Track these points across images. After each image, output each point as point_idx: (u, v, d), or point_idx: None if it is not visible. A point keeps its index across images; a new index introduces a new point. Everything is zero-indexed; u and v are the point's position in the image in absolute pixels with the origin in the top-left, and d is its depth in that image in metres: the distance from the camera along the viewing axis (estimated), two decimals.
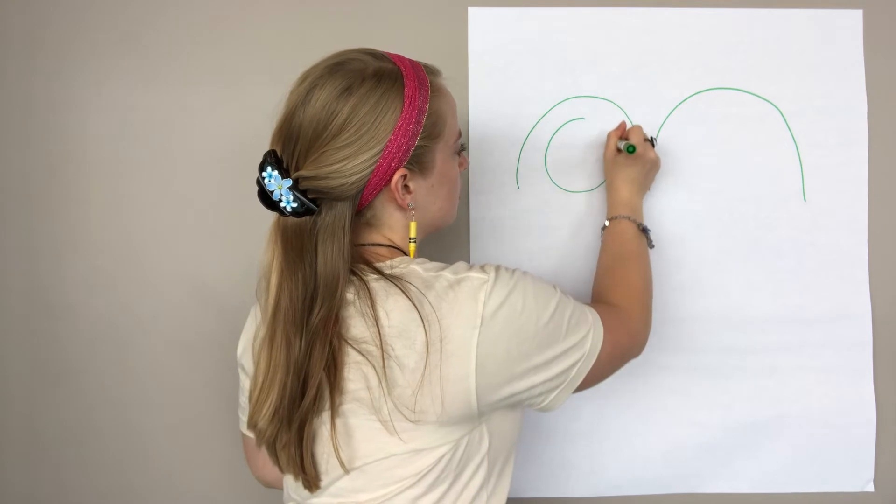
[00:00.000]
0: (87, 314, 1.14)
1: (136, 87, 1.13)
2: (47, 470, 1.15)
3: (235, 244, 1.14)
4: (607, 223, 1.03)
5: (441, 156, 0.79)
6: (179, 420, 1.15)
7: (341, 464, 0.72)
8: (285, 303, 0.72)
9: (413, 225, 0.79)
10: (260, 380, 0.73)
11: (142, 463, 1.15)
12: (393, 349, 0.69)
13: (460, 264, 0.75)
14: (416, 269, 0.74)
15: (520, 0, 1.12)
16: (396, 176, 0.75)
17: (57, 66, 1.13)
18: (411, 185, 0.77)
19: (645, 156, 1.03)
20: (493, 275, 0.72)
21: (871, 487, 1.14)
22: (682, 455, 1.13)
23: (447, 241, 1.12)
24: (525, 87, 1.12)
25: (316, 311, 0.71)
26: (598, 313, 0.80)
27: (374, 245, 0.79)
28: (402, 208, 0.78)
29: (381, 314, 0.70)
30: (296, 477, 0.76)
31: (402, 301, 0.70)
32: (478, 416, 0.72)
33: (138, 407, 1.15)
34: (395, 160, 0.74)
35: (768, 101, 1.13)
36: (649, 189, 1.09)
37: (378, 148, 0.73)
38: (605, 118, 1.12)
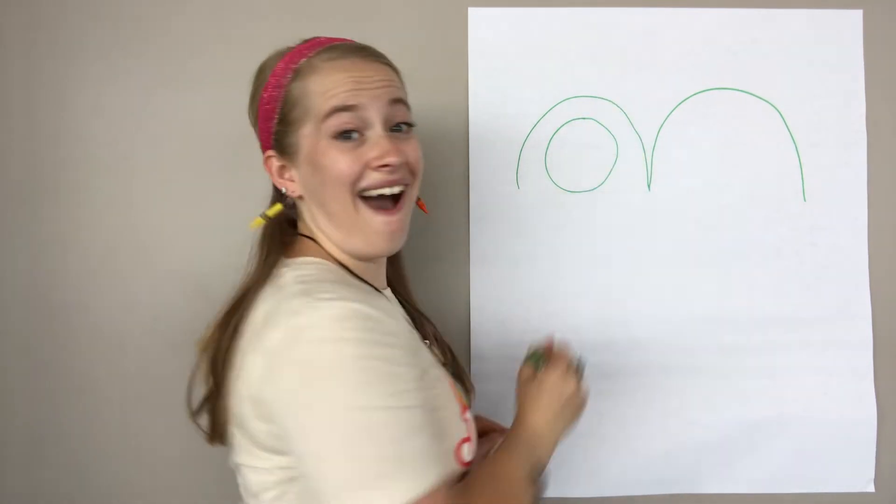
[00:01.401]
0: (87, 314, 1.14)
1: (137, 87, 1.13)
2: (47, 469, 1.15)
3: (236, 244, 1.13)
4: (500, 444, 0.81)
5: (309, 141, 0.73)
6: (179, 420, 1.15)
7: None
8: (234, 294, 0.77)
9: (277, 206, 0.79)
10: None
11: (142, 463, 1.15)
12: (243, 360, 0.71)
13: (322, 287, 0.67)
14: (285, 277, 0.71)
15: (520, 0, 1.12)
16: (264, 156, 0.78)
17: (57, 67, 1.13)
18: (290, 172, 0.76)
19: (561, 381, 0.83)
20: (303, 321, 0.63)
21: (871, 487, 1.14)
22: (682, 455, 1.13)
23: (447, 241, 1.12)
24: (525, 87, 1.12)
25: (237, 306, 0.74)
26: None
27: (300, 236, 0.79)
28: (291, 196, 0.78)
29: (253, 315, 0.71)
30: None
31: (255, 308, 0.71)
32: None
33: (138, 407, 1.15)
34: (264, 141, 0.77)
35: (768, 102, 1.13)
36: (570, 429, 0.85)
37: (256, 129, 0.79)
38: (605, 118, 1.12)
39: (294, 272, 0.71)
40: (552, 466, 1.12)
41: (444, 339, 0.90)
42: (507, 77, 1.12)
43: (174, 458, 1.15)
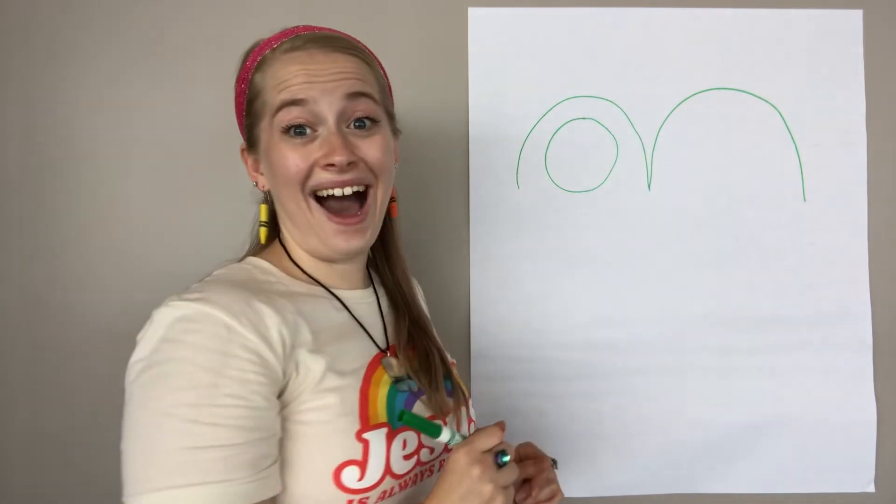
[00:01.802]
0: (87, 314, 1.14)
1: (136, 87, 1.13)
2: (47, 469, 1.15)
3: (235, 244, 1.14)
4: None
5: (265, 135, 0.71)
6: None
7: None
8: None
9: (263, 208, 0.78)
10: None
11: None
12: None
13: (204, 287, 0.67)
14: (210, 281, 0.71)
15: (520, 0, 1.12)
16: (240, 147, 0.78)
17: (57, 67, 1.13)
18: (261, 167, 0.75)
19: (466, 465, 0.64)
20: (149, 338, 0.62)
21: (871, 488, 1.14)
22: (682, 455, 1.13)
23: (447, 241, 1.12)
24: (525, 87, 1.12)
25: None
26: None
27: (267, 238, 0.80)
28: (261, 190, 0.78)
29: None
30: None
31: None
32: None
33: None
34: (242, 134, 0.77)
35: (768, 102, 1.13)
36: None
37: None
38: (605, 118, 1.12)
39: (223, 270, 0.73)
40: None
41: (432, 344, 0.80)
42: (507, 77, 1.12)
43: None
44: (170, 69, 1.13)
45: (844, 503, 1.14)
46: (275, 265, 0.74)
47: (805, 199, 1.13)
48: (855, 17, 1.13)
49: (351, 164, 0.68)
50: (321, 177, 0.68)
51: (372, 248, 0.82)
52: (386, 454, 0.66)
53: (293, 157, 0.68)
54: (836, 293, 1.13)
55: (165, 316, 0.62)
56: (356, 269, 0.78)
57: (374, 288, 0.82)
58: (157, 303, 1.17)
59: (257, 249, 0.79)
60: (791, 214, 1.13)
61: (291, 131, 0.68)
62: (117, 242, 1.14)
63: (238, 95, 0.76)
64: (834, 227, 1.13)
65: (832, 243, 1.13)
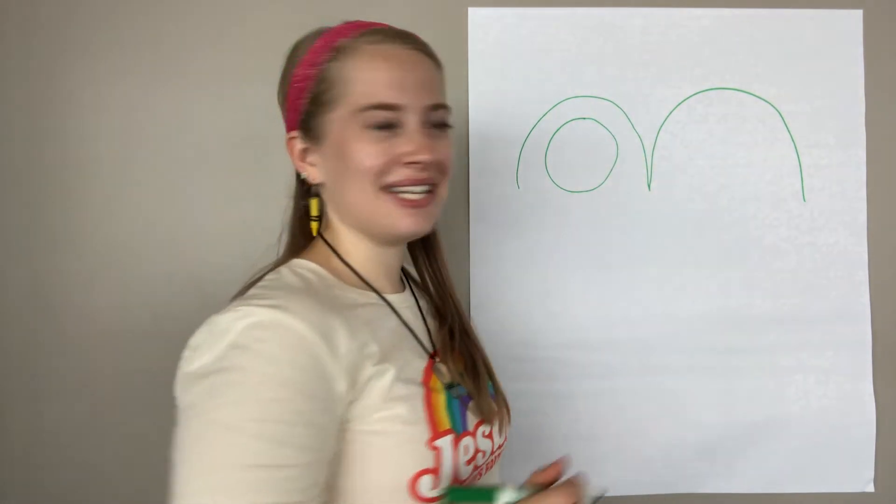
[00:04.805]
0: (87, 313, 1.13)
1: (137, 87, 1.13)
2: (47, 469, 1.15)
3: (236, 244, 1.14)
4: None
5: (339, 126, 0.69)
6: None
7: None
8: None
9: (313, 202, 0.74)
10: None
11: (141, 463, 1.15)
12: None
13: (268, 294, 0.64)
14: (265, 279, 0.70)
15: (520, 0, 1.12)
16: (287, 137, 0.74)
17: (57, 66, 1.13)
18: (311, 156, 0.73)
19: None
20: (228, 321, 0.60)
21: (871, 487, 1.14)
22: (682, 455, 1.13)
23: (447, 241, 1.12)
24: (525, 87, 1.12)
25: None
26: None
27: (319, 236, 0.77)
28: (310, 182, 0.74)
29: None
30: None
31: None
32: None
33: (138, 407, 1.14)
34: (291, 121, 0.73)
35: (767, 102, 1.13)
36: None
37: (283, 108, 0.74)
38: (605, 118, 1.12)
39: (275, 275, 0.70)
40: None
41: (475, 348, 0.80)
42: (507, 77, 1.12)
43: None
44: (171, 69, 1.13)
45: (844, 503, 1.14)
46: (323, 267, 0.72)
47: (805, 199, 1.13)
48: (855, 17, 1.13)
49: (431, 163, 0.70)
50: (401, 173, 0.69)
51: (415, 250, 0.83)
52: (454, 461, 0.66)
53: (375, 151, 0.68)
54: (836, 293, 1.13)
55: (235, 321, 0.59)
56: (397, 268, 0.79)
57: (412, 290, 0.81)
58: (158, 303, 1.17)
59: (295, 250, 0.76)
60: (791, 214, 1.13)
61: (375, 126, 0.68)
62: (118, 242, 1.14)
63: (298, 81, 0.71)
64: (834, 227, 1.13)
65: (832, 243, 1.13)
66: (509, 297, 1.12)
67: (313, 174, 0.73)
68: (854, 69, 1.13)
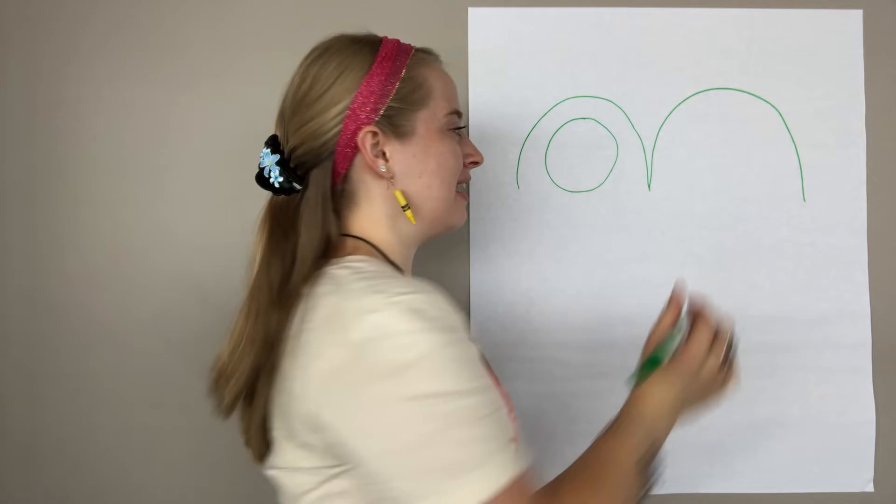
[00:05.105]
0: (87, 313, 1.14)
1: (137, 86, 1.13)
2: (47, 470, 1.15)
3: (235, 244, 1.14)
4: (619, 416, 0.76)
5: (425, 126, 0.75)
6: (179, 420, 1.15)
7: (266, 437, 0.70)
8: (265, 279, 0.71)
9: (398, 193, 0.74)
10: (229, 350, 0.72)
11: (141, 463, 1.15)
12: (296, 357, 0.65)
13: (391, 283, 0.65)
14: (342, 274, 0.67)
15: (520, 0, 1.12)
16: (362, 132, 0.72)
17: (57, 66, 1.13)
18: (387, 150, 0.73)
19: (701, 352, 0.75)
20: (394, 318, 0.60)
21: (870, 487, 1.14)
22: (682, 455, 1.13)
23: (447, 241, 1.12)
24: (525, 87, 1.12)
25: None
26: (516, 489, 0.58)
27: (344, 235, 0.75)
28: (379, 176, 0.74)
29: (298, 319, 0.66)
30: (246, 446, 0.74)
31: (306, 307, 0.66)
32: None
33: (138, 407, 1.15)
34: (364, 116, 0.72)
35: (767, 102, 1.13)
36: (699, 412, 0.80)
37: (344, 103, 0.72)
38: (605, 118, 1.12)
39: (347, 269, 0.68)
40: (552, 467, 1.11)
41: None
42: (507, 77, 1.12)
43: (174, 458, 1.15)
44: (171, 69, 1.13)
45: (844, 503, 1.14)
46: (376, 263, 0.72)
47: (805, 200, 1.13)
48: (855, 17, 1.13)
49: None
50: (465, 173, 0.81)
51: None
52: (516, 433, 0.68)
53: (457, 152, 0.78)
54: (836, 293, 1.13)
55: (394, 314, 0.60)
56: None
57: None
58: (158, 303, 1.17)
59: (336, 250, 0.74)
60: (791, 214, 1.13)
61: (454, 129, 0.79)
62: (118, 242, 1.14)
63: (388, 75, 0.73)
64: (833, 227, 1.13)
65: (832, 243, 1.13)
66: (509, 297, 1.12)
67: (387, 170, 0.74)
68: (854, 69, 1.13)
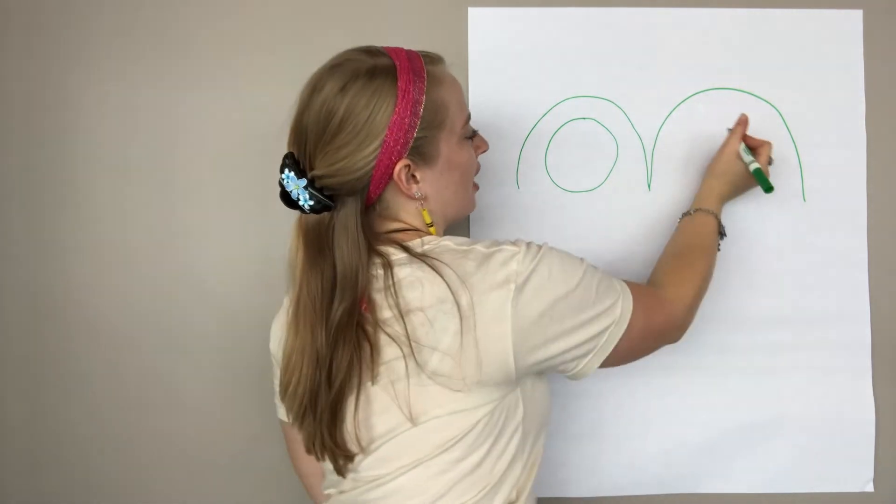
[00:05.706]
0: (88, 314, 1.14)
1: (138, 87, 1.13)
2: (47, 470, 1.15)
3: (236, 244, 1.14)
4: (692, 212, 1.03)
5: (446, 144, 0.81)
6: (179, 419, 1.15)
7: (358, 442, 0.76)
8: (307, 296, 0.76)
9: (425, 212, 0.81)
10: (286, 368, 0.78)
11: (142, 463, 1.15)
12: (430, 325, 0.72)
13: (491, 240, 0.77)
14: (447, 244, 0.77)
15: (520, 0, 1.12)
16: (398, 167, 0.77)
17: (58, 66, 1.13)
18: (418, 174, 0.79)
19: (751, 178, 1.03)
20: (522, 247, 0.75)
21: (870, 487, 1.14)
22: (682, 455, 1.13)
23: None
24: (525, 86, 1.12)
25: (336, 303, 0.75)
26: (632, 289, 0.81)
27: (402, 230, 0.82)
28: (412, 198, 0.80)
29: (410, 294, 0.73)
30: (329, 459, 0.79)
31: (432, 276, 0.73)
32: (514, 379, 0.75)
33: (138, 407, 1.15)
34: (395, 153, 0.76)
35: (768, 102, 1.13)
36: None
37: (376, 143, 0.75)
38: (605, 118, 1.12)
39: (449, 242, 0.78)
40: (552, 467, 1.11)
41: None
42: (507, 77, 1.12)
43: (174, 458, 1.15)
44: (172, 69, 1.13)
45: (843, 503, 1.14)
46: None
47: (805, 200, 1.13)
48: (855, 17, 1.13)
49: None
50: (477, 164, 0.90)
51: None
52: None
53: (472, 154, 0.87)
54: (836, 293, 1.13)
55: (513, 251, 0.74)
56: None
57: None
58: (158, 303, 1.17)
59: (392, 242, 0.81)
60: (791, 214, 1.13)
61: (470, 135, 0.86)
62: (119, 242, 1.14)
63: (412, 106, 0.76)
64: (834, 227, 1.13)
65: (832, 243, 1.13)
66: None
67: (414, 188, 0.80)
68: (854, 69, 1.13)
